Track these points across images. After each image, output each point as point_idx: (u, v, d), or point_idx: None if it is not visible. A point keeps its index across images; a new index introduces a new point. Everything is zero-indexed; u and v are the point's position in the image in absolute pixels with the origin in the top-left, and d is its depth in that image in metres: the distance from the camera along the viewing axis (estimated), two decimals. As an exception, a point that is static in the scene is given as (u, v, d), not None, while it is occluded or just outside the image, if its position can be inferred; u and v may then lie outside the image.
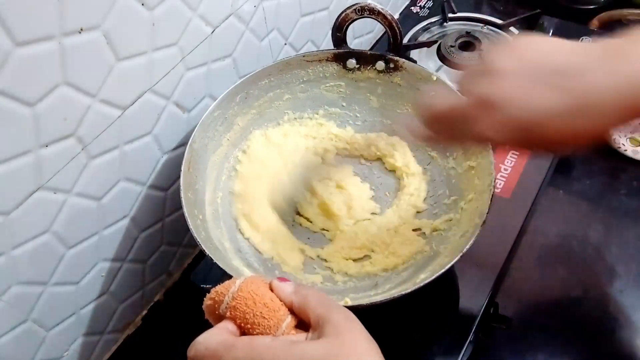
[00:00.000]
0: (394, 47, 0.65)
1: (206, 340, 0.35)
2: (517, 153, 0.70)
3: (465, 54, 0.81)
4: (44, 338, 0.53)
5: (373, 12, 0.63)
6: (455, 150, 0.63)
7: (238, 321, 0.37)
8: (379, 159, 0.68)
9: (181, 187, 0.54)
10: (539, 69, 0.37)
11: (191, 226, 0.51)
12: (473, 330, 0.55)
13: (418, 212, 0.63)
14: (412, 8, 0.93)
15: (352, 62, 0.66)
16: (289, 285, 0.39)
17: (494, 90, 0.38)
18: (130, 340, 0.64)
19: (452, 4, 0.90)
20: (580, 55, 0.37)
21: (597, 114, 0.36)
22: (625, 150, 0.72)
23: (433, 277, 0.48)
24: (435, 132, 0.45)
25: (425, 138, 0.46)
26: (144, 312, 0.66)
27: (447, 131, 0.44)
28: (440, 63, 0.82)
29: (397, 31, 0.64)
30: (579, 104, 0.36)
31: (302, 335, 0.36)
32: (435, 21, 0.90)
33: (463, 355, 0.55)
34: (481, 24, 0.89)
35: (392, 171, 0.67)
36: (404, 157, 0.66)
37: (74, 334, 0.57)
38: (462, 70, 0.43)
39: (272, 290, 0.38)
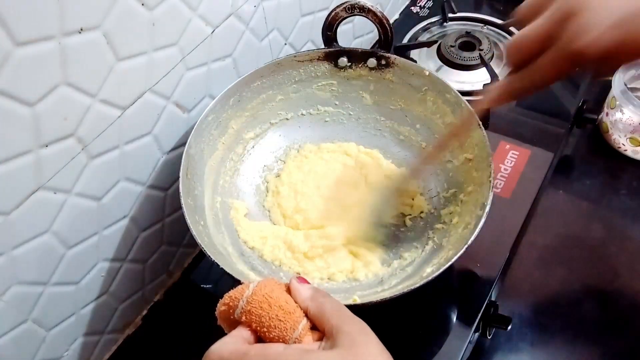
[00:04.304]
0: (384, 43, 0.65)
1: (219, 348, 0.35)
2: (517, 152, 0.70)
3: (465, 54, 0.81)
4: (44, 338, 0.53)
5: (363, 10, 0.62)
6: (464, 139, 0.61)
7: (254, 325, 0.36)
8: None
9: (180, 194, 0.53)
10: None
11: (194, 233, 0.51)
12: (473, 330, 0.56)
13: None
14: (412, 8, 0.93)
15: (343, 61, 0.66)
16: (307, 289, 0.38)
17: None
18: (130, 340, 0.64)
19: (452, 4, 0.90)
20: None
21: None
22: (625, 150, 0.72)
23: (441, 270, 0.48)
24: (521, 65, 0.40)
25: (505, 93, 0.43)
26: (144, 312, 0.66)
27: (533, 59, 0.39)
28: (440, 63, 0.82)
29: (388, 28, 0.63)
30: None
31: (315, 343, 0.36)
32: (435, 21, 0.90)
33: (463, 355, 0.55)
34: (481, 24, 0.89)
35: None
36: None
37: (74, 334, 0.57)
38: None
39: (289, 291, 0.38)
